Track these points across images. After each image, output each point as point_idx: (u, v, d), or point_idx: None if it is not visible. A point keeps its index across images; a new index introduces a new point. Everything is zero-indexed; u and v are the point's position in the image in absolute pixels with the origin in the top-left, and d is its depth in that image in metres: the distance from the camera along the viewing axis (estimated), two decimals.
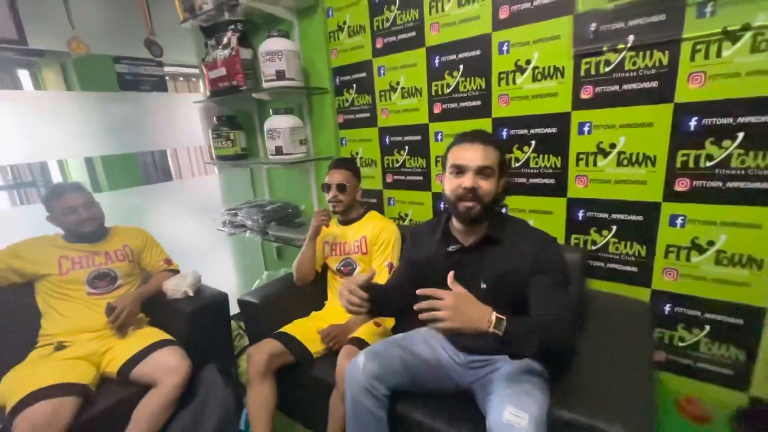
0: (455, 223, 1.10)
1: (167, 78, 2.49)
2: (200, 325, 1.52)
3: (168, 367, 1.30)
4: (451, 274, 0.91)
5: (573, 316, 0.96)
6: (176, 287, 1.55)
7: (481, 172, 0.99)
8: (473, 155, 0.99)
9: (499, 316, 0.86)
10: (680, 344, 1.28)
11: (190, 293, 1.56)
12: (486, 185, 0.99)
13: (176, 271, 1.68)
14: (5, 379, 1.23)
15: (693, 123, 1.12)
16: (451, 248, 1.09)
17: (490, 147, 1.01)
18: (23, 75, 2.44)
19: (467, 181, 0.99)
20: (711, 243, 1.17)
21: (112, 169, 2.34)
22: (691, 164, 1.15)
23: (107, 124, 1.99)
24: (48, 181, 3.00)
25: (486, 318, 0.85)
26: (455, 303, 0.84)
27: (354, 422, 1.07)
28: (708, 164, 1.12)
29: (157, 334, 1.44)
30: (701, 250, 1.19)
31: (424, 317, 0.84)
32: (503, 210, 1.50)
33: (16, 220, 1.73)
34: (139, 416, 1.23)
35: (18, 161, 2.63)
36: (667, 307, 1.27)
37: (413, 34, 1.57)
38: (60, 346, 1.34)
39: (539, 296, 0.97)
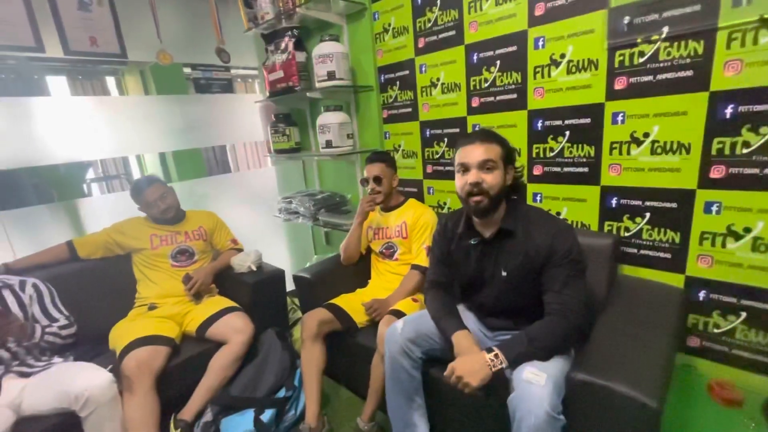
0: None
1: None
2: (261, 295, 1.75)
3: (236, 328, 1.54)
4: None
5: (584, 303, 1.05)
6: (242, 263, 1.79)
7: (484, 166, 1.06)
8: (474, 152, 1.07)
9: (493, 351, 0.99)
10: (715, 330, 1.29)
11: (254, 268, 1.79)
12: (490, 178, 1.06)
13: (241, 250, 1.93)
14: (113, 330, 1.53)
15: (729, 110, 1.13)
16: (472, 241, 1.19)
17: (490, 143, 1.08)
18: (110, 82, 2.85)
19: (471, 176, 1.07)
20: (747, 230, 1.17)
21: (182, 162, 2.65)
22: (727, 151, 1.16)
23: (178, 124, 2.28)
24: (129, 173, 3.45)
25: (484, 362, 0.98)
26: (461, 367, 0.99)
27: (392, 380, 1.22)
28: (745, 151, 1.13)
29: (226, 302, 1.69)
30: (737, 237, 1.19)
31: (456, 386, 0.99)
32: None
33: (105, 205, 2.09)
34: (214, 366, 1.48)
35: (106, 156, 3.09)
36: (702, 294, 1.29)
37: (453, 33, 1.68)
38: (152, 307, 1.62)
39: (553, 286, 1.05)
